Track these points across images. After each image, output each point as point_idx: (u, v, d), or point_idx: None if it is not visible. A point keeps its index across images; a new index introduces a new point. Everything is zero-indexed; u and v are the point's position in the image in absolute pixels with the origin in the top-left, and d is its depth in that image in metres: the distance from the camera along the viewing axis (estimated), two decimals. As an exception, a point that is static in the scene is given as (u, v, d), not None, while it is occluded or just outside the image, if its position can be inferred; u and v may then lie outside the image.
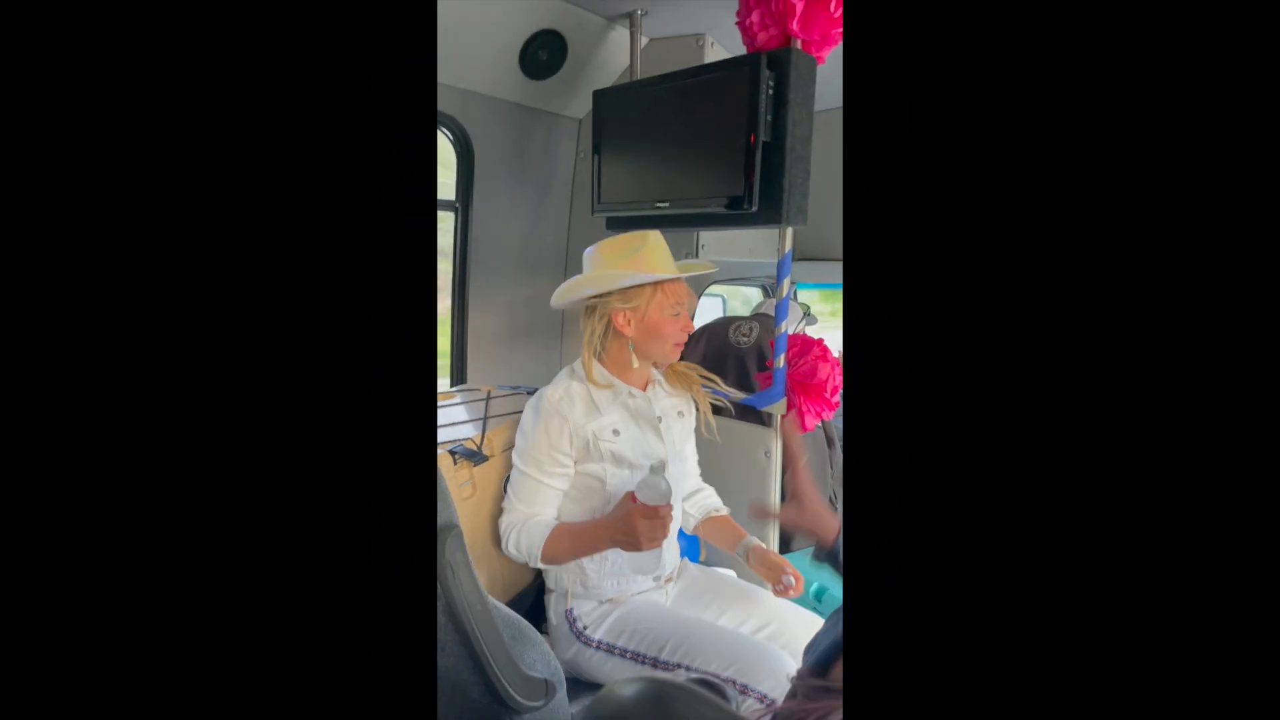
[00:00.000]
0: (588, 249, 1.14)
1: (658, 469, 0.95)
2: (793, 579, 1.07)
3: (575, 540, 1.04)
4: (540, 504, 1.07)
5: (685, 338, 1.11)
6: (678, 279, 1.09)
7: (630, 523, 0.95)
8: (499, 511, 1.13)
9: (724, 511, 1.26)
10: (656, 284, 1.07)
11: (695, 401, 1.22)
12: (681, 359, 1.73)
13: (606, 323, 1.09)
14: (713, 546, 1.48)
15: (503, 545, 1.08)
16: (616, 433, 1.08)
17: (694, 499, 1.27)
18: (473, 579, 0.73)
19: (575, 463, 1.08)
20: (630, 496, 0.96)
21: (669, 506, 0.96)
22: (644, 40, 1.55)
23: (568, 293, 1.10)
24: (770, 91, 1.12)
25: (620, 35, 1.58)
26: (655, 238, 1.10)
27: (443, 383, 1.71)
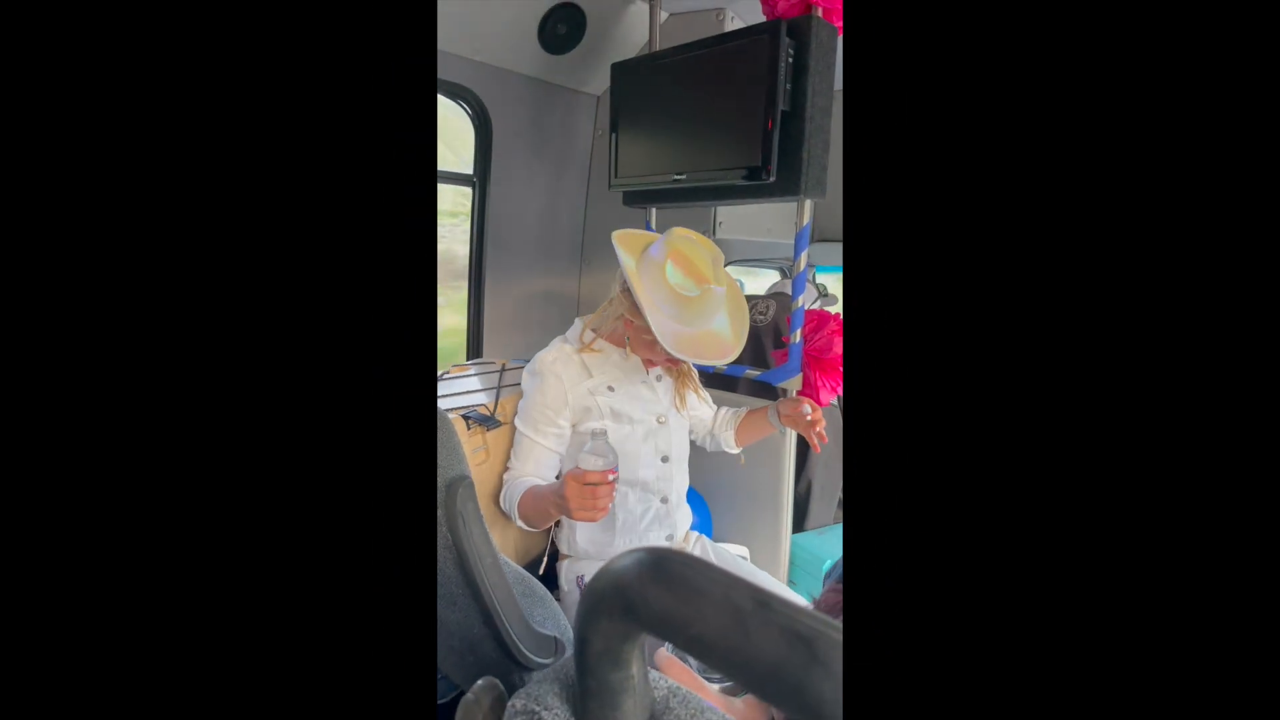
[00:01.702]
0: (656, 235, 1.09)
1: (599, 434, 0.90)
2: (821, 431, 1.10)
3: (534, 502, 1.02)
4: (534, 463, 1.08)
5: (668, 366, 1.14)
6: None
7: (564, 489, 0.90)
8: (511, 476, 1.14)
9: (744, 410, 1.30)
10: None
11: (687, 380, 1.22)
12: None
13: (619, 315, 1.08)
14: (724, 523, 1.48)
15: (499, 500, 1.10)
16: (611, 389, 1.09)
17: (719, 419, 1.30)
18: (483, 530, 0.74)
19: (575, 425, 1.08)
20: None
21: (606, 474, 0.89)
22: (663, 15, 1.54)
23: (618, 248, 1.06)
24: (790, 59, 1.11)
25: (639, 10, 1.57)
26: (710, 296, 1.01)
27: (460, 357, 1.72)
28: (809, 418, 1.10)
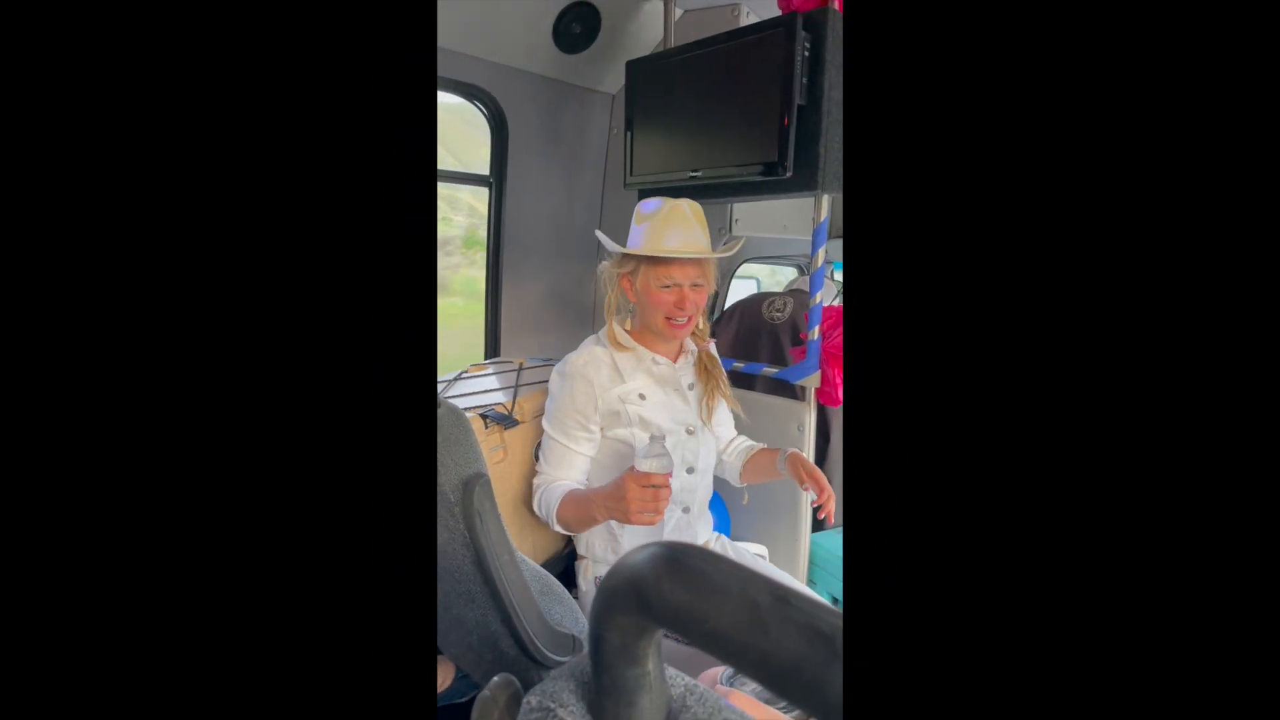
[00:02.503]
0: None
1: (658, 438, 0.91)
2: (815, 494, 1.06)
3: (579, 508, 1.02)
4: (566, 468, 1.08)
5: (681, 314, 1.06)
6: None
7: (622, 489, 0.90)
8: (529, 475, 1.14)
9: (759, 446, 1.25)
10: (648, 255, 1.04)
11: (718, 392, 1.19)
12: (714, 335, 1.73)
13: (618, 286, 1.09)
14: (743, 522, 1.47)
15: (532, 503, 1.10)
16: (642, 397, 1.07)
17: (731, 446, 1.26)
18: (500, 527, 0.74)
19: (603, 429, 1.08)
20: (631, 468, 0.92)
21: (667, 478, 0.90)
22: (678, 12, 1.53)
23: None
24: (806, 53, 1.10)
25: (654, 8, 1.56)
26: (674, 208, 1.06)
27: (478, 357, 1.73)
28: (815, 505, 1.08)
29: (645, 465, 0.89)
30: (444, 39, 1.39)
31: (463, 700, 1.07)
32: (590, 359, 1.08)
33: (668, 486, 0.90)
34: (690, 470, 1.12)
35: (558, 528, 1.06)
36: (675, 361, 1.13)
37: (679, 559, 0.26)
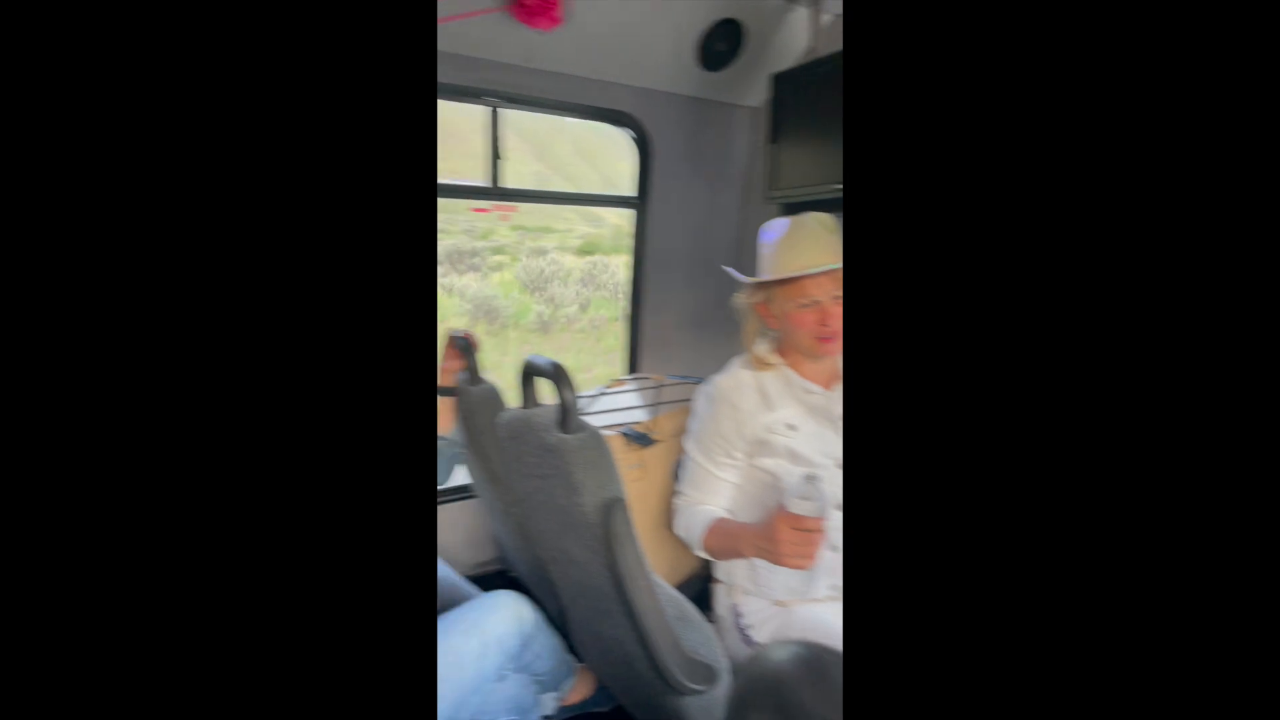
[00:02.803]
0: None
1: (814, 478, 0.86)
2: None
3: (726, 540, 1.00)
4: (708, 492, 1.06)
5: (827, 330, 0.99)
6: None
7: (775, 532, 0.86)
8: (667, 494, 1.14)
9: None
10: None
11: None
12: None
13: (754, 314, 1.06)
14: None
15: (673, 524, 1.09)
16: (792, 428, 1.02)
17: None
18: (637, 553, 0.74)
19: (748, 456, 1.04)
20: (782, 508, 0.88)
21: (820, 521, 0.85)
22: (826, 18, 1.47)
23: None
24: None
25: (801, 16, 1.52)
26: (797, 225, 1.01)
27: (616, 373, 1.78)
28: None
29: (798, 507, 0.85)
30: (587, 67, 1.45)
31: (603, 711, 1.10)
32: (736, 384, 1.05)
33: (821, 530, 0.85)
34: (841, 508, 1.05)
35: (700, 552, 1.05)
36: (828, 389, 1.07)
37: (825, 669, 0.24)
